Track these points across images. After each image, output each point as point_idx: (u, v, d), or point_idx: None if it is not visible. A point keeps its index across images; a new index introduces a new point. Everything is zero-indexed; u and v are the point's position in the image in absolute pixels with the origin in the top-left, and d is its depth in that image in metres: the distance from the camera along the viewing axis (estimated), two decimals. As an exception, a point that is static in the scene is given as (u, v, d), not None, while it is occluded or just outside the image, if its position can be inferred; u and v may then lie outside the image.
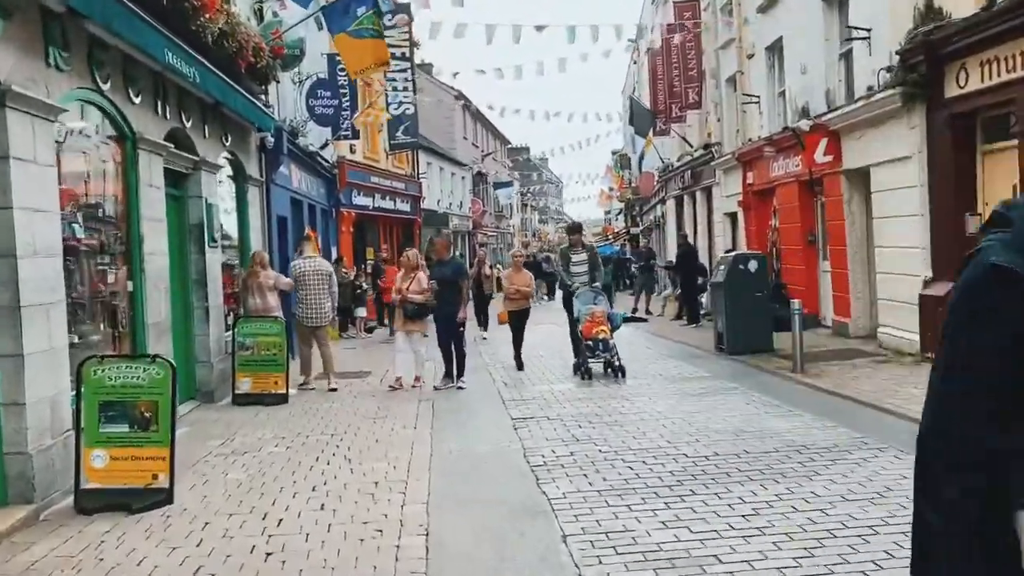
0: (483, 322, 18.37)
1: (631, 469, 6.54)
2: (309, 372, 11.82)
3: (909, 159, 11.53)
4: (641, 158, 30.26)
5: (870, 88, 12.43)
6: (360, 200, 23.16)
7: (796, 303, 11.15)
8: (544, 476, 6.50)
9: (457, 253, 38.37)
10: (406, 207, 27.76)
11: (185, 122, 9.55)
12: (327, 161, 19.84)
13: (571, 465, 6.80)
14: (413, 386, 11.20)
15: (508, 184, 43.84)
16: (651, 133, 26.78)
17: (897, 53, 11.22)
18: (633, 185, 42.36)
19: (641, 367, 12.23)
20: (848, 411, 8.54)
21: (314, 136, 18.22)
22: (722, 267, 13.60)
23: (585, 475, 6.46)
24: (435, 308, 11.33)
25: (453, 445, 7.81)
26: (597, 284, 12.22)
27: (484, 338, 17.28)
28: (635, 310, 21.99)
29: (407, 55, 26.20)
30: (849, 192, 13.90)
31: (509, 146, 60.57)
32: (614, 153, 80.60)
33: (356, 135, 20.74)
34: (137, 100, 8.00)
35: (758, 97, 18.08)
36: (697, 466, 6.56)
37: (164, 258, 8.78)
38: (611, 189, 68.73)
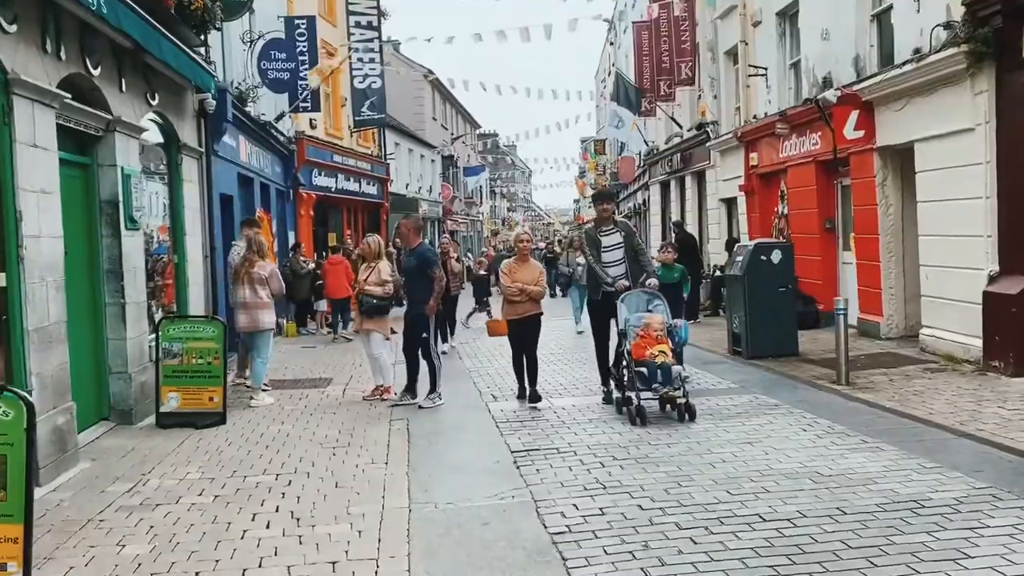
0: (448, 329, 13.83)
1: (694, 543, 4.66)
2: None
3: (971, 132, 9.76)
4: (623, 143, 28.39)
5: (917, 51, 10.65)
6: (321, 181, 21.07)
7: (840, 301, 9.37)
8: (573, 555, 4.59)
9: (427, 241, 36.42)
10: (372, 190, 25.67)
11: (91, 68, 7.46)
12: (283, 135, 17.72)
13: (606, 533, 4.90)
14: (382, 398, 9.31)
15: (479, 169, 41.76)
16: (636, 114, 24.95)
17: (964, 4, 9.44)
18: (612, 171, 40.57)
19: (651, 375, 10.41)
20: (936, 442, 6.74)
21: (267, 106, 16.11)
22: (740, 258, 11.78)
23: (631, 553, 4.57)
24: (401, 305, 9.62)
25: (438, 494, 5.87)
26: (652, 281, 8.58)
27: (447, 350, 12.99)
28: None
29: (374, 24, 24.07)
30: (883, 172, 12.14)
31: (479, 131, 58.50)
32: (583, 141, 78.83)
33: (316, 107, 18.67)
34: (11, 28, 5.92)
35: (765, 69, 16.29)
36: (785, 536, 4.70)
37: (57, 242, 6.71)
38: (582, 175, 67.02)
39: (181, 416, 8.22)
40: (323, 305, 16.61)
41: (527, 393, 8.96)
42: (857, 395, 8.59)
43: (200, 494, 5.97)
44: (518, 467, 6.43)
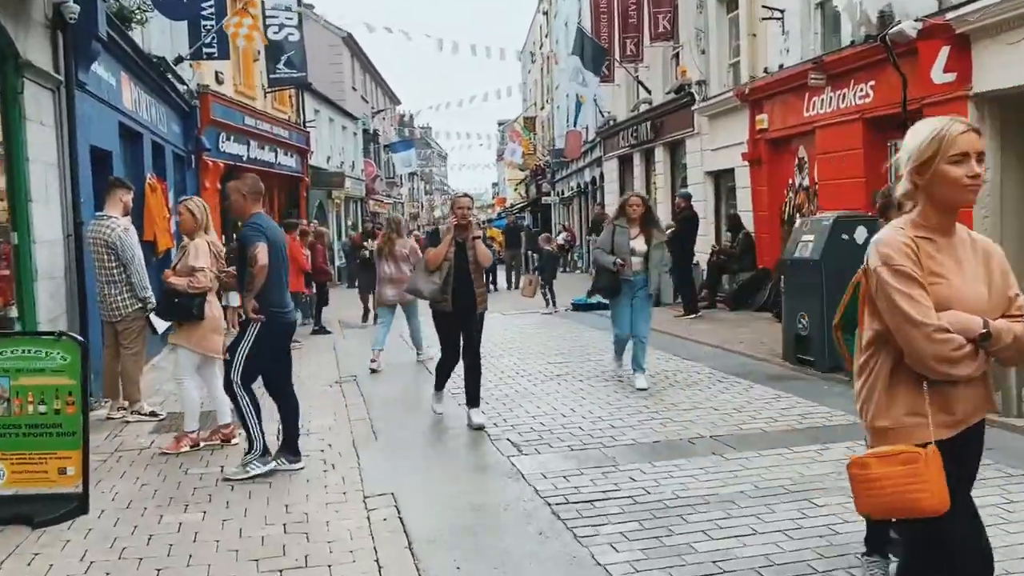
0: (442, 376, 7.24)
1: None
2: (115, 394, 7.36)
3: None
4: (578, 109, 25.42)
5: (1058, -42, 7.97)
6: (230, 147, 17.35)
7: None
8: None
9: (350, 224, 32.58)
10: (290, 162, 21.97)
11: None
12: (184, 84, 14.04)
13: None
14: (177, 449, 6.24)
15: (407, 145, 37.91)
16: (598, 76, 21.75)
17: None
18: (549, 148, 37.63)
19: (714, 400, 7.45)
20: None
21: (160, 41, 12.46)
22: (810, 237, 8.92)
23: None
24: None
25: None
26: None
27: (436, 412, 7.32)
28: (592, 293, 17.24)
29: (291, -37, 20.44)
30: (979, 127, 9.47)
31: (399, 107, 54.75)
32: (500, 124, 75.62)
33: (224, 54, 15.00)
34: None
35: (782, 12, 13.51)
36: None
37: None
38: (501, 156, 63.89)
39: (8, 503, 4.82)
40: (235, 299, 12.98)
41: None
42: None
43: None
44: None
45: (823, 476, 5.17)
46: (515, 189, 57.96)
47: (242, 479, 5.48)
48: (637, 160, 21.93)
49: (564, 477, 5.35)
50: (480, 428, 6.68)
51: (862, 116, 11.44)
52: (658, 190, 20.29)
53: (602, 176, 25.96)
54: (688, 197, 14.56)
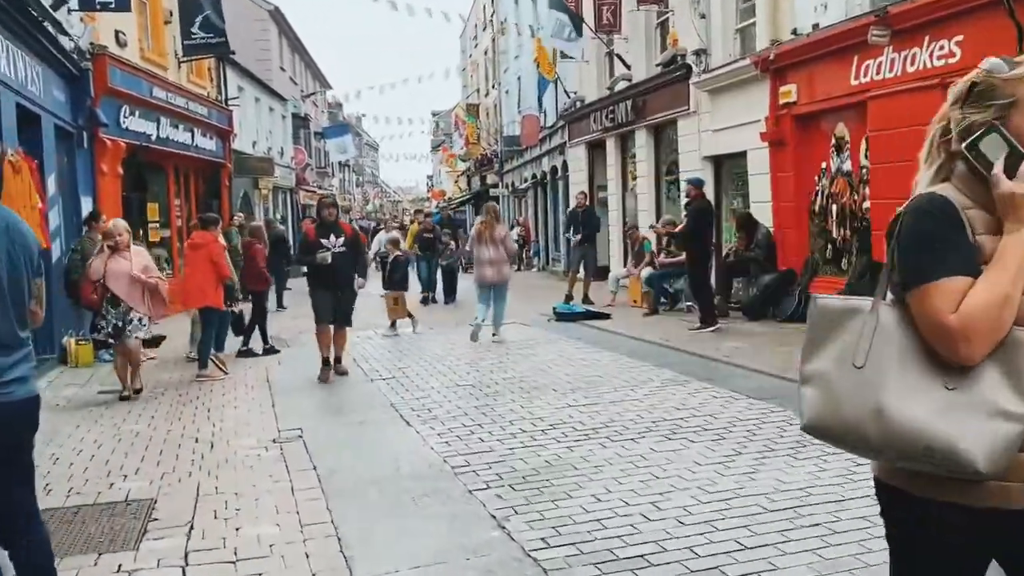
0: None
1: None
2: None
3: None
4: (542, 86, 22.81)
5: None
6: (135, 124, 14.30)
7: None
8: None
9: (279, 217, 29.36)
10: (210, 144, 18.87)
11: None
12: (69, 39, 11.01)
13: None
14: None
15: (342, 130, 34.58)
16: (579, 36, 18.94)
17: None
18: (495, 136, 34.98)
19: (853, 482, 4.95)
20: None
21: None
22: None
23: None
24: None
25: None
26: None
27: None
28: (570, 297, 14.81)
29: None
30: None
31: (330, 92, 51.35)
32: (435, 114, 72.51)
33: (124, 4, 12.02)
34: None
35: (816, -40, 11.18)
36: None
37: None
38: (438, 146, 61.03)
39: None
40: (140, 327, 9.89)
41: None
42: None
43: None
44: None
45: None
46: (455, 182, 55.15)
47: None
48: (611, 146, 19.47)
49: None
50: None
51: (942, 81, 9.12)
52: (638, 180, 17.91)
53: (565, 165, 23.48)
54: (700, 184, 12.07)
